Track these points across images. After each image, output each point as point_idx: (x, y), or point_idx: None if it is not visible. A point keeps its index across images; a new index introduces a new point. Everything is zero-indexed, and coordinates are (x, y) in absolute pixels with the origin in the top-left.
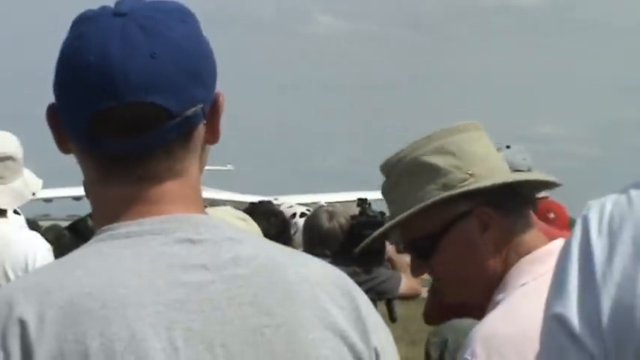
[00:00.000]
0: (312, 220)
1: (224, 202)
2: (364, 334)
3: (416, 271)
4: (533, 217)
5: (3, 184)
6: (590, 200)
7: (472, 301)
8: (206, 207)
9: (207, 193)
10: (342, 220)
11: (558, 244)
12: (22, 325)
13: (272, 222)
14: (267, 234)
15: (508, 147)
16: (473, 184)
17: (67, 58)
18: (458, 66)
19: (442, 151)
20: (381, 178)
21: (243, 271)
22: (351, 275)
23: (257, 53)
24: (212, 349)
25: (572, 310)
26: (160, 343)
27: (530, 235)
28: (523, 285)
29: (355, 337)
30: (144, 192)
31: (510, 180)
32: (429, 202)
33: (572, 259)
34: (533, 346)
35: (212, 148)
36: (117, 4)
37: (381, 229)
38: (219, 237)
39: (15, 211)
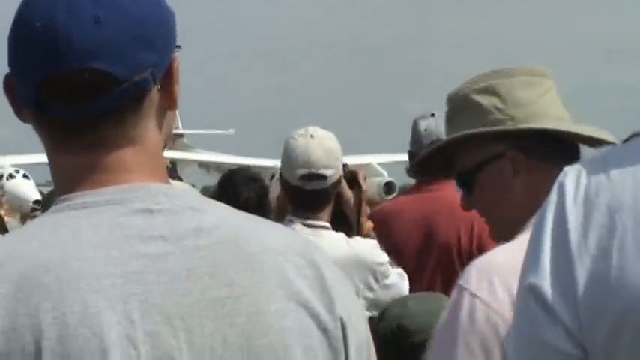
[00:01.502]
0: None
1: (224, 165)
2: (329, 304)
3: (464, 206)
4: None
5: None
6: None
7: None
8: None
9: (209, 156)
10: None
11: None
12: None
13: (251, 187)
14: (247, 199)
15: (432, 115)
16: (507, 127)
17: (17, 26)
18: (440, 30)
19: (489, 91)
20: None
21: (203, 242)
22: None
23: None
24: (170, 322)
25: (545, 281)
26: (116, 316)
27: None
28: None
29: (320, 308)
30: (99, 160)
31: (539, 127)
32: (456, 136)
33: (546, 227)
34: (512, 276)
35: (215, 113)
36: None
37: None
38: (180, 207)
39: None
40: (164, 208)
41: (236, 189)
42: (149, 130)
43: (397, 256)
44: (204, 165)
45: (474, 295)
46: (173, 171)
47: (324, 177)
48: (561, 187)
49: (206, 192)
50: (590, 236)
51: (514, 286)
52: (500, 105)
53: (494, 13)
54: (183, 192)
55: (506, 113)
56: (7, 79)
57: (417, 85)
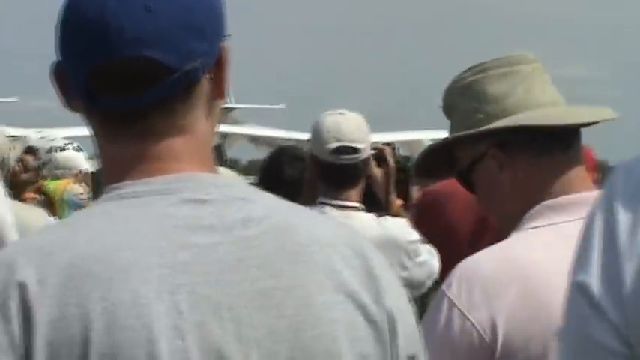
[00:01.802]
0: None
1: (275, 139)
2: (377, 295)
3: (478, 203)
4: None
5: None
6: (617, 156)
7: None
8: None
9: (259, 131)
10: None
11: (589, 196)
12: (22, 288)
13: (295, 166)
14: (291, 178)
15: None
16: (481, 126)
17: (66, 14)
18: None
19: (466, 92)
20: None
21: (252, 232)
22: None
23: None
24: (218, 312)
25: (593, 279)
26: (164, 307)
27: (562, 180)
28: (533, 228)
29: (367, 299)
30: (148, 149)
31: (510, 125)
32: (437, 142)
33: (596, 225)
34: (505, 289)
35: (266, 86)
36: None
37: (416, 161)
38: (229, 197)
39: None
40: (213, 199)
41: (281, 166)
42: (198, 119)
43: (450, 236)
44: (254, 139)
45: (452, 304)
46: (219, 149)
47: (355, 150)
48: (611, 185)
49: (252, 166)
50: (638, 234)
51: (495, 296)
52: (475, 104)
53: None
54: (233, 182)
55: (482, 111)
56: (57, 67)
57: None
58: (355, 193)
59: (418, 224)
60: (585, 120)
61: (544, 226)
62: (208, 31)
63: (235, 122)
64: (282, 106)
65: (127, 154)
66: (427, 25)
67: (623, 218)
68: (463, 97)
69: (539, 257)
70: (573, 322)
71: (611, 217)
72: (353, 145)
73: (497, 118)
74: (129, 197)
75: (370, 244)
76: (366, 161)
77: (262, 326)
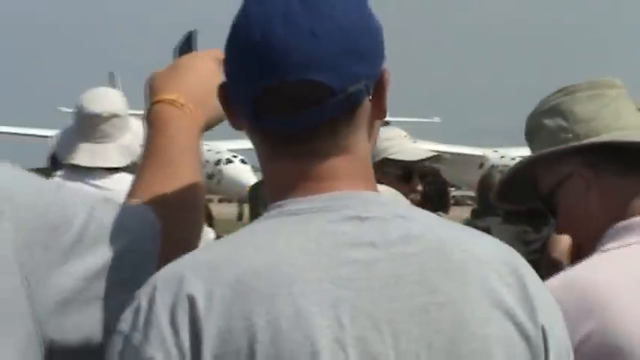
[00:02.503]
0: (487, 179)
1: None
2: (532, 312)
3: (557, 230)
4: None
5: (112, 141)
6: None
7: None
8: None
9: (417, 144)
10: None
11: None
12: (191, 301)
13: (430, 183)
14: (428, 195)
15: None
16: (564, 146)
17: (235, 37)
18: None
19: (554, 112)
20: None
21: (411, 249)
22: (521, 234)
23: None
24: (379, 327)
25: None
26: (326, 321)
27: None
28: (604, 251)
29: (523, 316)
30: (311, 169)
31: (602, 140)
32: (523, 161)
33: None
34: (568, 307)
35: (422, 101)
36: None
37: (498, 187)
38: (389, 214)
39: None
40: (373, 216)
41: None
42: (360, 139)
43: None
44: None
45: None
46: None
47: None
48: None
49: None
50: None
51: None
52: (564, 124)
53: None
54: (392, 200)
55: (570, 131)
56: (221, 88)
57: None
58: None
59: None
60: None
61: (614, 248)
62: (370, 54)
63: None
64: (437, 119)
65: (290, 173)
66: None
67: None
68: (551, 118)
69: (610, 280)
70: None
71: None
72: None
73: (586, 137)
74: (290, 214)
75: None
76: None
77: (420, 340)
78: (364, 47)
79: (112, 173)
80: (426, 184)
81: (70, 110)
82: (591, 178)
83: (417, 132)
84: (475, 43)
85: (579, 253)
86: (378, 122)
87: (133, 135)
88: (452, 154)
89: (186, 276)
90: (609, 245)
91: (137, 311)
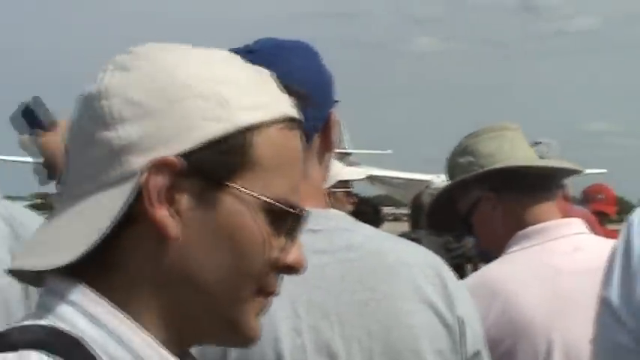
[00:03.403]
0: (419, 199)
1: (388, 178)
2: (451, 305)
3: (476, 247)
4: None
5: None
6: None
7: None
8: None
9: (371, 170)
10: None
11: (556, 223)
12: None
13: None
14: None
15: (538, 143)
16: (471, 173)
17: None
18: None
19: (465, 152)
20: None
21: (354, 255)
22: (445, 243)
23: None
24: (328, 317)
25: (614, 295)
26: (286, 312)
27: (534, 212)
28: (509, 253)
29: (443, 309)
30: None
31: (497, 167)
32: (441, 191)
33: (618, 252)
34: (477, 298)
35: (375, 136)
36: (253, 44)
37: (428, 212)
38: (335, 227)
39: None
40: (323, 229)
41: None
42: (312, 167)
43: None
44: (373, 178)
45: None
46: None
47: None
48: (630, 222)
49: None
50: None
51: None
52: (472, 160)
53: None
54: (338, 216)
55: (478, 164)
56: None
57: None
58: None
59: None
60: (554, 166)
61: (517, 250)
62: (320, 100)
63: (352, 164)
64: (389, 151)
65: None
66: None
67: (637, 246)
68: (462, 157)
69: (511, 274)
70: (600, 329)
71: (628, 244)
72: None
73: (488, 167)
74: None
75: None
76: None
77: (361, 328)
78: (314, 94)
79: None
80: (362, 204)
81: None
82: (495, 199)
83: (373, 161)
84: (418, 91)
85: (491, 257)
86: (328, 154)
87: None
88: (405, 179)
89: None
90: (512, 249)
91: None
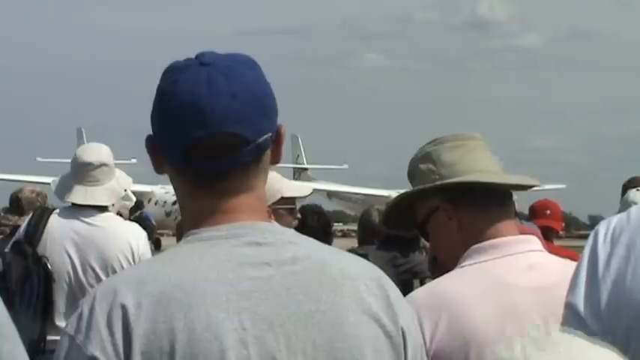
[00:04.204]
0: (367, 216)
1: (340, 193)
2: (393, 317)
3: (430, 251)
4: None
5: (100, 185)
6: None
7: None
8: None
9: (328, 186)
10: None
11: (515, 239)
12: (124, 309)
13: (316, 220)
14: (313, 229)
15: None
16: (429, 185)
17: (166, 100)
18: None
19: (426, 158)
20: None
21: (298, 268)
22: (392, 259)
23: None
24: (273, 329)
25: (580, 300)
26: (232, 324)
27: (491, 227)
28: (461, 267)
29: (386, 320)
30: (223, 203)
31: (456, 181)
32: (396, 197)
33: (584, 261)
34: (428, 311)
35: (331, 150)
36: (200, 56)
37: (383, 213)
38: (280, 241)
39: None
40: (268, 242)
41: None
42: (261, 180)
43: None
44: (331, 193)
45: None
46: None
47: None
48: (596, 232)
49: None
50: (611, 266)
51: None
52: (433, 168)
53: None
54: (283, 230)
55: (438, 173)
56: (150, 140)
57: None
58: None
59: None
60: (512, 182)
61: (469, 265)
62: (270, 112)
63: (310, 179)
64: (345, 166)
65: (206, 207)
66: None
67: (602, 254)
68: (424, 163)
69: (462, 288)
70: None
71: (594, 253)
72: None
73: (449, 178)
74: (203, 240)
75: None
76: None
77: (306, 339)
78: (267, 107)
79: (101, 212)
80: (311, 220)
81: (46, 160)
82: (451, 211)
83: (329, 176)
84: (373, 105)
85: (444, 269)
86: (272, 167)
87: (116, 180)
88: (364, 194)
89: (120, 289)
90: (465, 263)
91: (80, 317)
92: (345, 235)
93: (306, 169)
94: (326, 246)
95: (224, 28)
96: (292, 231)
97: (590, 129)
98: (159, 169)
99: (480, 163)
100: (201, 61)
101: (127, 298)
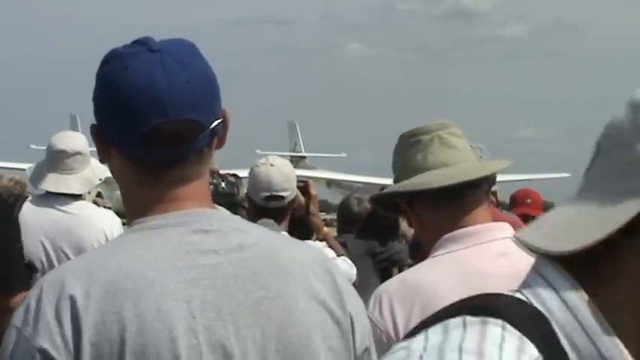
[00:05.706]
0: (345, 204)
1: (340, 181)
2: (341, 302)
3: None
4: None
5: (75, 174)
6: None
7: None
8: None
9: (327, 174)
10: (367, 205)
11: (487, 227)
12: (72, 300)
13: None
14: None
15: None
16: (391, 189)
17: (117, 87)
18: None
19: (394, 154)
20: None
21: (246, 255)
22: (371, 247)
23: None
24: (222, 317)
25: None
26: (182, 313)
27: (460, 216)
28: (434, 256)
29: (334, 305)
30: (173, 191)
31: (393, 190)
32: (374, 195)
33: None
34: (401, 300)
35: (331, 138)
36: (146, 42)
37: (374, 197)
38: (228, 228)
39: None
40: (216, 229)
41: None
42: (208, 166)
43: None
44: (331, 182)
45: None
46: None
47: (282, 197)
48: None
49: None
50: None
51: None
52: (396, 165)
53: None
54: (230, 216)
55: (397, 172)
56: (96, 128)
57: None
58: (283, 225)
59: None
60: (457, 180)
61: (441, 254)
62: (219, 97)
63: (309, 168)
64: (343, 154)
65: (155, 196)
66: None
67: None
68: (395, 156)
69: (433, 277)
70: None
71: None
72: (280, 193)
73: (404, 179)
74: (150, 228)
75: (335, 264)
76: (290, 203)
77: (255, 327)
78: (217, 92)
79: (75, 200)
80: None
81: (40, 148)
82: (410, 211)
83: (327, 164)
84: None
85: (426, 255)
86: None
87: (91, 169)
88: (364, 183)
89: (67, 279)
90: (437, 252)
91: (27, 309)
92: (327, 224)
93: (304, 157)
94: (274, 233)
95: (205, 17)
96: (239, 218)
97: (570, 120)
98: (104, 157)
99: (429, 161)
100: (150, 47)
101: (76, 288)
